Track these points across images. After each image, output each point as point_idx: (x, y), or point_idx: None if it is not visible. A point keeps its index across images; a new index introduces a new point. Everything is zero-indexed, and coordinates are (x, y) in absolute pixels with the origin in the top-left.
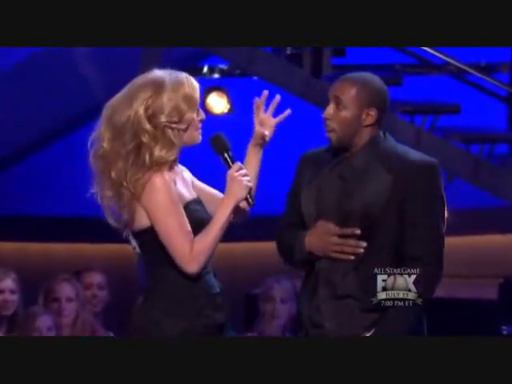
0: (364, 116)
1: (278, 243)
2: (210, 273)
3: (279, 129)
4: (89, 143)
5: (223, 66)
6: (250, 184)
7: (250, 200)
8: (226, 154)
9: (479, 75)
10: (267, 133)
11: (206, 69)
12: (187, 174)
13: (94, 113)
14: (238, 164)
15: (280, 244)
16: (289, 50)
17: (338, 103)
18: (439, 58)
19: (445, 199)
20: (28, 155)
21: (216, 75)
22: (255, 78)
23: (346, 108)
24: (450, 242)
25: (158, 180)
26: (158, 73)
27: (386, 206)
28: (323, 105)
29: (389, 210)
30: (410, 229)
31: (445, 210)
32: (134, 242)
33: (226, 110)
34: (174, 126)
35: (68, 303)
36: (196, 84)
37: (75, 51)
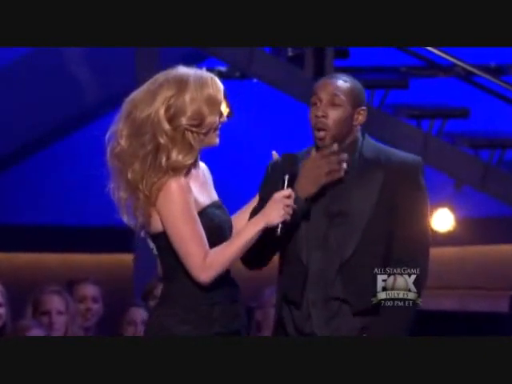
0: (356, 115)
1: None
2: (230, 281)
3: (278, 132)
4: (106, 137)
5: (222, 68)
6: (288, 217)
7: (278, 231)
8: (287, 176)
9: (489, 77)
10: None
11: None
12: (208, 174)
13: (86, 116)
14: (290, 192)
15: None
16: (290, 52)
17: (334, 100)
18: (447, 60)
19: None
20: (17, 162)
21: None
22: (255, 80)
23: (342, 106)
24: (459, 252)
25: (174, 185)
26: (182, 70)
27: (376, 204)
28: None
29: (379, 208)
30: (397, 229)
31: (428, 206)
32: (151, 244)
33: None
34: (194, 129)
35: (58, 316)
36: (220, 85)
37: (66, 52)
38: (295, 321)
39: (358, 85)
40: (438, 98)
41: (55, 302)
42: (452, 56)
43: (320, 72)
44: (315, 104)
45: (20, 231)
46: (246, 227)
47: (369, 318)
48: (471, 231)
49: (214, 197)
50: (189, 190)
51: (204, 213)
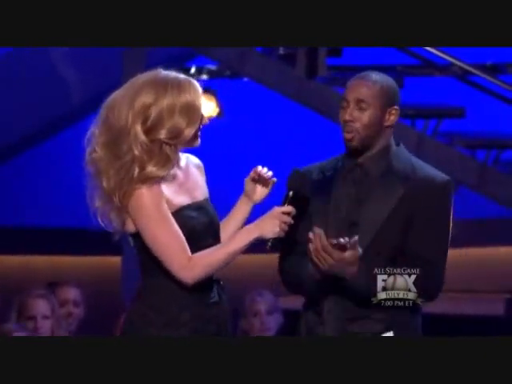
0: (387, 116)
1: (282, 273)
2: (208, 283)
3: (270, 132)
4: (85, 140)
5: (212, 67)
6: (282, 233)
7: (269, 244)
8: (291, 193)
9: (485, 76)
10: (256, 198)
11: (193, 70)
12: (197, 171)
13: (70, 116)
14: (291, 209)
15: (285, 274)
16: (282, 50)
17: (361, 104)
18: (442, 59)
19: (451, 219)
20: (2, 163)
21: (204, 76)
22: (246, 79)
23: (369, 108)
24: (453, 254)
25: (144, 192)
26: (160, 74)
27: (389, 217)
28: (317, 108)
29: (391, 221)
30: (414, 238)
31: (450, 231)
32: (132, 242)
33: (214, 114)
34: (172, 142)
35: (44, 321)
36: (199, 89)
37: (53, 51)
38: (311, 327)
39: (390, 83)
40: (432, 97)
41: (40, 307)
42: (448, 55)
43: (312, 71)
44: (343, 107)
45: (6, 233)
46: (237, 235)
47: (366, 322)
48: (466, 233)
49: (198, 196)
50: (159, 193)
51: (178, 214)
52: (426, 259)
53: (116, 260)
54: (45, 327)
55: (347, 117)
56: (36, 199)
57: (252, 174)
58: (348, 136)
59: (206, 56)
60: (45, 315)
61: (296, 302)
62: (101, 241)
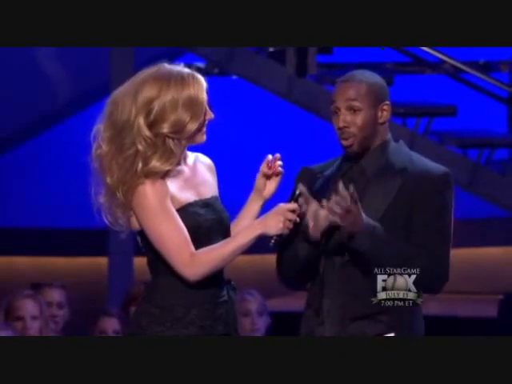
0: (380, 113)
1: (278, 259)
2: (218, 281)
3: (259, 130)
4: (91, 136)
5: (200, 65)
6: (287, 231)
7: (272, 242)
8: (298, 191)
9: (477, 74)
10: (266, 194)
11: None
12: (206, 168)
13: (57, 115)
14: (296, 206)
15: (281, 258)
16: (271, 48)
17: (352, 107)
18: (434, 56)
19: (452, 212)
20: None
21: None
22: (235, 77)
23: (361, 110)
24: None
25: (147, 188)
26: (163, 69)
27: (387, 210)
28: (307, 106)
29: (393, 210)
30: (416, 229)
31: (452, 223)
32: (139, 240)
33: None
34: (175, 136)
35: (33, 322)
36: (203, 83)
37: (41, 50)
38: (311, 327)
39: (375, 80)
40: (424, 96)
41: (29, 307)
42: (439, 52)
43: (302, 69)
44: (335, 113)
45: None
46: (242, 233)
47: (367, 322)
48: (459, 233)
49: (206, 193)
50: (163, 188)
51: (184, 211)
52: (429, 250)
53: (102, 261)
54: (34, 328)
55: (341, 124)
56: (22, 199)
57: (264, 167)
58: (346, 143)
59: (195, 53)
60: (33, 316)
61: (282, 304)
62: (86, 241)
